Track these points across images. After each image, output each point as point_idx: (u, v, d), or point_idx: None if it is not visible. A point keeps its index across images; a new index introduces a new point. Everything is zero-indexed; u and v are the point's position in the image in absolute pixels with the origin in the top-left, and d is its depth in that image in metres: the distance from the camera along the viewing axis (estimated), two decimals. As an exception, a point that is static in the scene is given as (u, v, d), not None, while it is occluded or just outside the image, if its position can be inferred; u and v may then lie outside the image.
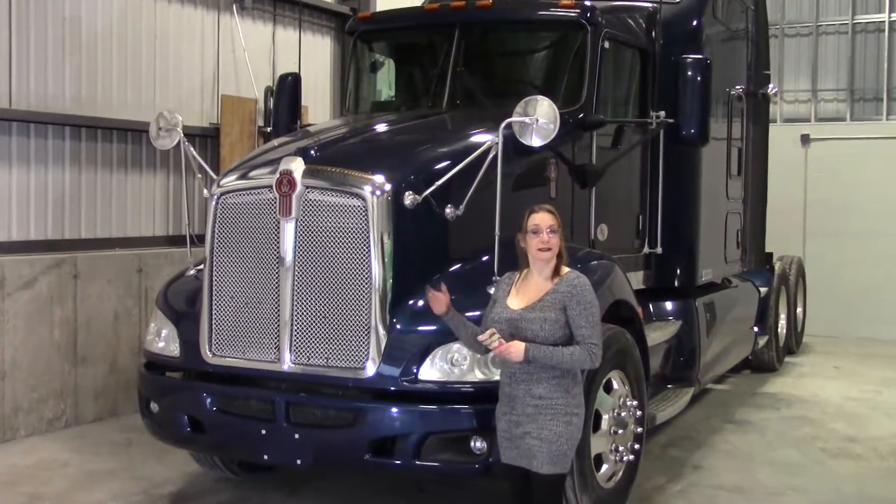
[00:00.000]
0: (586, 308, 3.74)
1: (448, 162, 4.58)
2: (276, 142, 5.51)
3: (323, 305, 4.32)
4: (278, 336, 4.40)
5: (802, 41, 11.64)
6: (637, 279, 6.06)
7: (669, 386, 6.23)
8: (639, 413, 4.84)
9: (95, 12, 7.08)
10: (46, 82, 6.78)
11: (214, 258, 4.63)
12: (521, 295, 3.82)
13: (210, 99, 8.08)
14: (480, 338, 3.67)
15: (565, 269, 3.85)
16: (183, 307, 4.96)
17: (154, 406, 4.84)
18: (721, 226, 7.18)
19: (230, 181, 4.68)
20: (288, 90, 6.43)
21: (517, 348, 3.63)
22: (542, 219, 3.80)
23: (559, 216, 3.85)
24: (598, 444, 4.57)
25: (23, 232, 6.67)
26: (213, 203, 4.66)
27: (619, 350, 4.71)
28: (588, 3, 5.68)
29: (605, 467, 4.65)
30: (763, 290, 8.46)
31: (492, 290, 4.06)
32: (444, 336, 4.15)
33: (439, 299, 3.87)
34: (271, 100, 7.69)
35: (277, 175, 4.39)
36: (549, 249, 3.76)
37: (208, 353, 4.60)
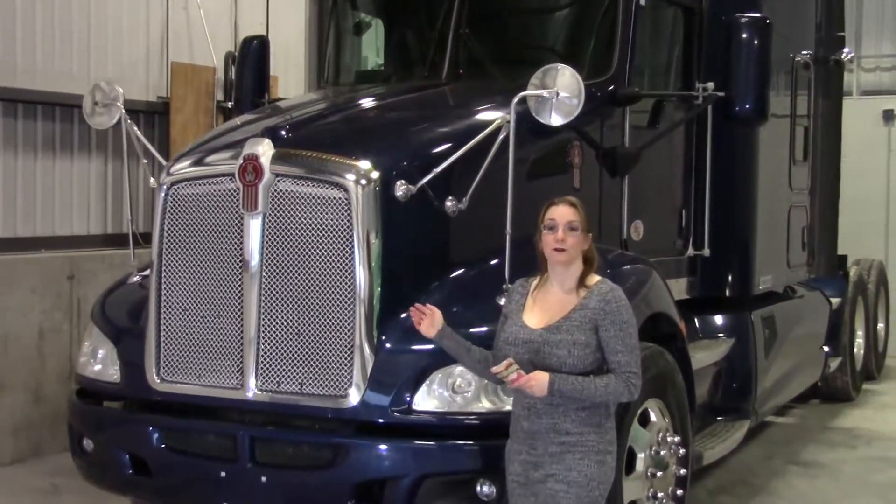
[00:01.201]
0: (623, 329, 3.75)
1: (449, 145, 4.62)
2: (238, 120, 5.56)
3: (296, 320, 4.37)
4: (242, 357, 4.44)
5: (886, -6, 11.68)
6: (679, 287, 6.10)
7: (720, 418, 6.26)
8: (682, 451, 4.88)
9: (15, -40, 7.15)
10: (-45, 47, 6.85)
11: (163, 262, 4.68)
12: (539, 309, 3.84)
13: (158, 67, 8.13)
14: (495, 370, 3.68)
15: (594, 278, 3.86)
16: (124, 322, 5.00)
17: (88, 443, 4.88)
18: (783, 223, 7.22)
19: (183, 168, 4.73)
20: (253, 57, 6.47)
21: (540, 381, 3.63)
22: (560, 213, 3.82)
23: (585, 211, 3.88)
24: (632, 490, 4.60)
25: (-74, 230, 6.75)
26: (162, 194, 4.71)
27: (658, 374, 4.75)
28: (621, -50, 5.73)
29: (640, 518, 4.70)
30: (835, 301, 8.50)
31: (503, 302, 4.11)
32: (444, 357, 4.18)
33: (427, 316, 3.89)
34: (233, 69, 7.75)
35: (241, 160, 4.43)
36: (565, 251, 3.78)
37: (155, 377, 4.65)
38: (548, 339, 3.74)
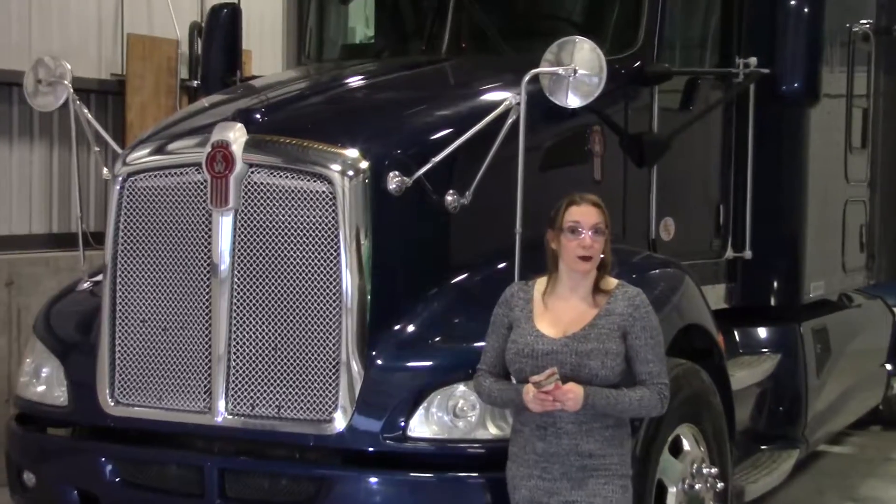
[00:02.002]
0: (653, 336, 3.87)
1: (449, 130, 4.66)
2: (206, 101, 5.59)
3: (273, 333, 4.40)
4: (209, 376, 4.47)
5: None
6: (717, 295, 6.14)
7: (764, 447, 6.30)
8: (720, 485, 4.90)
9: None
10: None
11: (119, 266, 4.71)
12: (552, 316, 3.90)
13: (111, 40, 8.15)
14: (535, 379, 3.70)
15: (612, 282, 3.94)
16: (72, 336, 5.04)
17: (29, 477, 4.89)
18: (837, 220, 7.24)
19: (141, 157, 4.76)
20: (223, 29, 6.52)
21: (577, 394, 3.70)
22: (584, 214, 3.87)
23: (607, 211, 3.92)
24: (662, 529, 4.65)
25: None
26: (117, 188, 4.74)
27: (693, 396, 4.78)
28: None
29: (672, 562, 4.73)
30: (900, 310, 8.53)
31: (498, 311, 4.03)
32: (445, 375, 4.24)
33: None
34: (199, 42, 7.78)
35: (208, 148, 4.46)
36: (591, 259, 3.85)
37: (109, 400, 4.67)
38: (576, 348, 3.80)
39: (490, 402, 4.06)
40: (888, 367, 8.23)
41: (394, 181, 4.42)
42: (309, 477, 4.34)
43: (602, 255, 3.90)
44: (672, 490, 4.68)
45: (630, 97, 5.56)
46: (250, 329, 4.42)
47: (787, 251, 6.59)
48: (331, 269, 4.34)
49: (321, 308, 4.34)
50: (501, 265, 4.53)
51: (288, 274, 4.38)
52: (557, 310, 3.91)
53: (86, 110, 5.21)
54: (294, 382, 4.36)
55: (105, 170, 5.11)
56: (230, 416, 4.43)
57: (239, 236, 4.44)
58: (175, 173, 4.61)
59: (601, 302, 3.88)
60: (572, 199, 3.93)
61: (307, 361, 4.35)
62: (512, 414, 4.02)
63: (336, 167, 4.40)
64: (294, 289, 4.37)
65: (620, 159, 5.48)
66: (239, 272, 4.43)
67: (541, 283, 4.00)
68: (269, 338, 4.40)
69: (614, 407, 3.76)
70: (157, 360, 4.60)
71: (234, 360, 4.43)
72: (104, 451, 4.70)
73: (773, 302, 6.59)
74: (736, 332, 6.36)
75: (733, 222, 6.31)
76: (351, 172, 4.39)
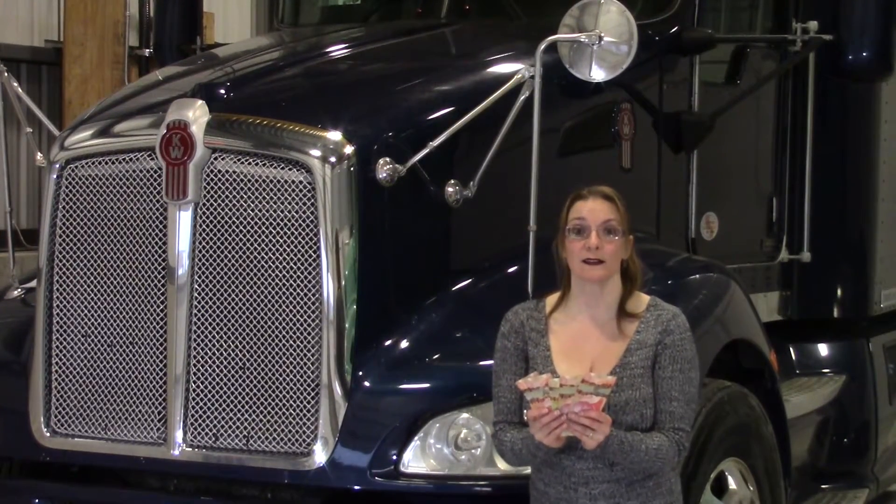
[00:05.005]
0: (683, 371, 3.74)
1: (450, 109, 4.69)
2: (160, 73, 5.62)
3: (240, 349, 4.42)
4: (165, 401, 4.49)
5: None
6: (769, 305, 6.17)
7: (825, 486, 6.32)
8: (772, 531, 4.94)
9: None
10: None
11: (56, 270, 4.73)
12: (575, 353, 3.77)
13: (46, 3, 8.16)
14: (589, 378, 3.47)
15: (642, 300, 3.83)
16: (2, 352, 5.08)
17: (-51, 521, 4.94)
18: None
19: (83, 140, 4.79)
20: (180, -13, 6.58)
21: (606, 433, 3.52)
22: (591, 209, 3.74)
23: (625, 206, 3.79)
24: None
25: None
26: (55, 177, 4.75)
27: (740, 425, 4.79)
28: None
29: None
30: None
31: (507, 342, 3.87)
32: (444, 399, 4.26)
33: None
34: (151, 2, 7.79)
35: (164, 130, 4.47)
36: (601, 262, 3.71)
37: (44, 430, 4.69)
38: (610, 400, 3.60)
39: (517, 461, 3.85)
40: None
41: (384, 169, 4.43)
42: (283, 521, 4.39)
43: (625, 264, 3.77)
44: (716, 536, 4.72)
45: (665, 69, 5.59)
46: (213, 345, 4.45)
47: (853, 253, 6.61)
48: (309, 273, 4.36)
49: (298, 320, 4.36)
50: (512, 269, 4.57)
51: (258, 279, 4.40)
52: (576, 342, 3.77)
53: (15, 83, 5.22)
54: (265, 408, 4.38)
55: (39, 155, 5.13)
56: (189, 449, 4.45)
57: (200, 234, 4.46)
58: (123, 160, 4.63)
59: (629, 330, 3.77)
60: (578, 193, 3.81)
61: (281, 383, 4.37)
62: (531, 471, 3.88)
63: (315, 153, 4.42)
64: (265, 297, 4.39)
65: (654, 143, 5.50)
66: (200, 277, 4.46)
67: (551, 302, 3.87)
68: (236, 355, 4.42)
69: (626, 455, 3.61)
70: (102, 381, 4.62)
71: (195, 382, 4.46)
72: (37, 490, 4.74)
73: (836, 313, 6.62)
74: (792, 349, 6.39)
75: (789, 219, 6.33)
76: (333, 159, 4.42)
